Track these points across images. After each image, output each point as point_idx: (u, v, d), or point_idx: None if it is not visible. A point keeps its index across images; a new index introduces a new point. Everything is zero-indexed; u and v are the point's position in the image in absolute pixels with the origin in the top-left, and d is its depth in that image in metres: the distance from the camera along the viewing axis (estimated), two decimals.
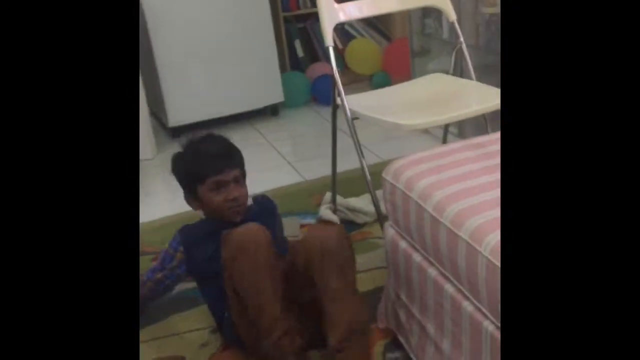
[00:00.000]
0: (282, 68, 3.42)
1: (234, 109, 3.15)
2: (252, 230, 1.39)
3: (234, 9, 3.04)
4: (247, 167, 1.62)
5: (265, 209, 1.64)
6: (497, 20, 2.27)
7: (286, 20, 3.50)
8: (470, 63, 1.92)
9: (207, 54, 3.05)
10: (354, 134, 1.76)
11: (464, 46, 1.93)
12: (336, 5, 1.84)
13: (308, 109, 3.39)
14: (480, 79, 1.90)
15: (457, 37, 1.93)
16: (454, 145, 1.48)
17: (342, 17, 1.85)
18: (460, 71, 2.08)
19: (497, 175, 1.23)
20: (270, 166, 2.68)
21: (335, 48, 3.59)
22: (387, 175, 1.43)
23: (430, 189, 1.29)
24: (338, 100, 1.81)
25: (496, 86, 1.70)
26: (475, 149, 1.43)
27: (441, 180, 1.31)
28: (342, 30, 3.66)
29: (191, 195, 1.59)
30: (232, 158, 1.58)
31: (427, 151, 1.45)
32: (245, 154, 1.63)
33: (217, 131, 1.69)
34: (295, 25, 3.59)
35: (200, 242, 1.55)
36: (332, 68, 1.79)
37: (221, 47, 3.07)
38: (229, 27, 3.05)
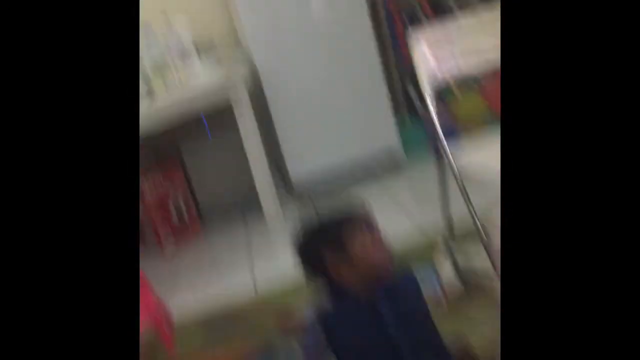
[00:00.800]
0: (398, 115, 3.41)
1: (352, 160, 3.18)
2: None
3: (344, 61, 3.12)
4: None
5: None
6: None
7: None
8: None
9: (322, 109, 3.14)
10: (466, 200, 1.64)
11: None
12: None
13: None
14: None
15: None
16: None
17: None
18: None
19: None
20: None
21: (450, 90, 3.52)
22: None
23: None
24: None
25: None
26: None
27: None
28: None
29: (341, 255, 1.29)
30: None
31: None
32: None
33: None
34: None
35: (347, 327, 1.29)
36: (430, 116, 1.74)
37: (334, 101, 3.14)
38: (340, 78, 3.11)
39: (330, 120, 3.16)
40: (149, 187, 3.07)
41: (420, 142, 3.35)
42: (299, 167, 3.16)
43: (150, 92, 2.80)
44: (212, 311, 2.24)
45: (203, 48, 3.03)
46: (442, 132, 1.75)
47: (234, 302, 2.27)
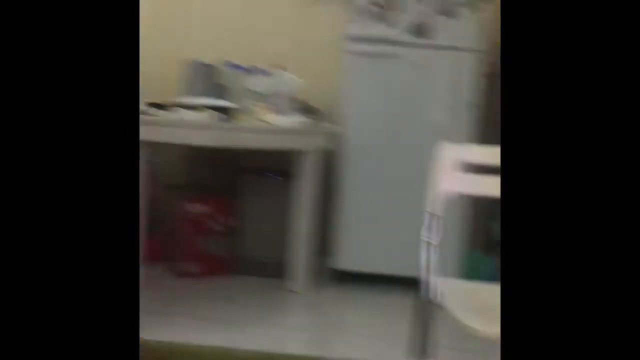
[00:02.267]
0: (472, 245, 3.27)
1: (399, 271, 3.03)
2: None
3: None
4: None
5: None
6: None
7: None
8: None
9: (389, 211, 3.03)
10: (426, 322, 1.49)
11: None
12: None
13: None
14: None
15: None
16: None
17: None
18: None
19: None
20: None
21: None
22: None
23: None
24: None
25: None
26: None
27: None
28: None
29: None
30: None
31: None
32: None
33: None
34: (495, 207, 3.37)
35: None
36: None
37: (405, 209, 3.02)
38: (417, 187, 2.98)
39: (391, 235, 3.05)
40: (196, 209, 3.04)
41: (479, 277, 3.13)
42: (342, 258, 3.08)
43: (234, 114, 2.80)
44: None
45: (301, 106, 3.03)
46: None
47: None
